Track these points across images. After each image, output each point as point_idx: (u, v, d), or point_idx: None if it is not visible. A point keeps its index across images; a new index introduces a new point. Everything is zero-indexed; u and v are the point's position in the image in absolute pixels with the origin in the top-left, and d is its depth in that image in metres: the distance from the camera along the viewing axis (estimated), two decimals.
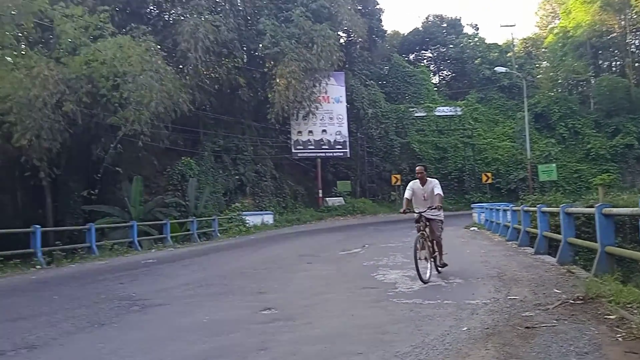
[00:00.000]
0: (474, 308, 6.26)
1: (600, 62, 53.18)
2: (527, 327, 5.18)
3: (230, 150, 33.57)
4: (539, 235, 11.57)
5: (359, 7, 43.82)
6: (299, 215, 34.91)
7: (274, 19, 34.26)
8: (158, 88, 22.56)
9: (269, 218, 31.03)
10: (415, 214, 8.71)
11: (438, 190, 8.64)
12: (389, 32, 54.50)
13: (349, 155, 41.01)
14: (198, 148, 31.84)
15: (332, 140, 39.50)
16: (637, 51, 51.38)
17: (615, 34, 48.93)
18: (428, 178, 8.85)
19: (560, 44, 49.72)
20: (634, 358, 4.21)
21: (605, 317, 5.41)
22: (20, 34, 21.86)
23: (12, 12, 18.17)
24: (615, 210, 7.90)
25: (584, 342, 4.61)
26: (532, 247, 12.15)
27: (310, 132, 38.77)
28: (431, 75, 55.62)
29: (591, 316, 5.50)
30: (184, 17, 30.99)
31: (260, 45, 34.28)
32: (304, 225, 31.76)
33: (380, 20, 48.77)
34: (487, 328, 5.26)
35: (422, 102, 48.65)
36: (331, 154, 40.27)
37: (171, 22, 32.75)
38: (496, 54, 53.88)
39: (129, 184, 24.13)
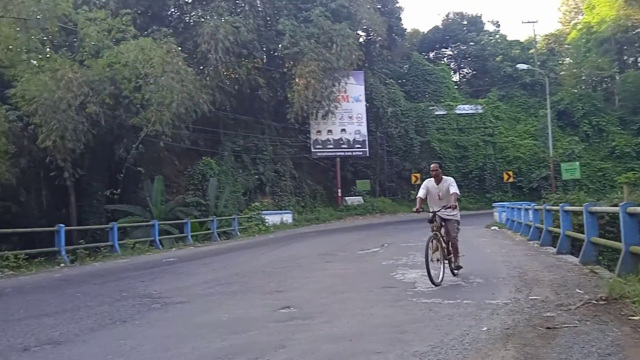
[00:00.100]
0: (494, 308, 6.19)
1: (625, 57, 51.99)
2: (548, 328, 5.10)
3: (250, 150, 33.79)
4: (561, 234, 11.39)
5: (379, 6, 43.66)
6: (318, 214, 34.96)
7: (293, 19, 34.34)
8: (179, 89, 22.82)
9: (288, 217, 31.15)
10: (430, 213, 8.43)
11: (454, 189, 8.30)
12: (408, 30, 54.26)
13: (368, 155, 40.91)
14: (218, 148, 32.09)
15: (351, 140, 39.46)
16: None
17: None
18: (443, 176, 8.54)
19: (583, 40, 48.81)
20: None
21: (629, 318, 5.30)
22: (45, 38, 22.32)
23: (38, 17, 18.55)
24: None
25: (606, 343, 4.52)
26: (554, 247, 11.97)
27: (330, 131, 38.79)
28: (451, 73, 55.12)
29: (614, 317, 5.39)
30: (204, 18, 31.27)
31: (280, 45, 34.40)
32: (323, 225, 31.80)
33: (400, 19, 48.58)
34: (508, 328, 5.20)
35: (442, 100, 48.28)
36: (350, 153, 40.22)
37: (192, 23, 33.09)
38: (518, 51, 53.11)
39: (150, 183, 24.42)
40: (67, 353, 5.03)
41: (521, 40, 55.79)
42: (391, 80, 46.10)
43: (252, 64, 33.18)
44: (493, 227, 22.26)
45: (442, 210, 8.29)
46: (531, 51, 52.94)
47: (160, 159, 26.97)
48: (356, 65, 36.36)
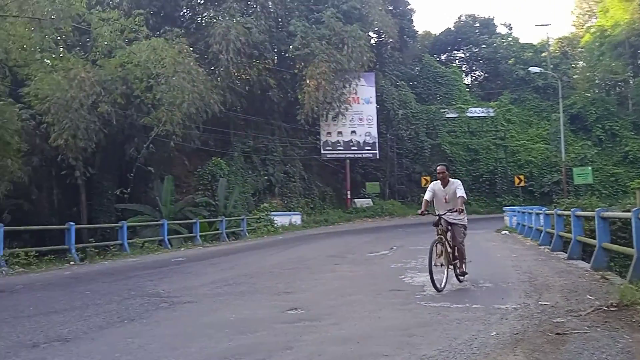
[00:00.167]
0: (503, 313, 6.15)
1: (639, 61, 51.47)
2: (557, 334, 5.05)
3: (260, 150, 33.85)
4: (572, 239, 11.29)
5: (390, 8, 43.61)
6: (327, 216, 34.91)
7: (304, 21, 34.38)
8: (190, 89, 22.94)
9: (297, 219, 31.15)
10: (435, 217, 8.19)
11: (461, 192, 8.03)
12: (420, 32, 54.12)
13: (378, 157, 40.78)
14: (228, 148, 32.20)
15: (361, 141, 39.39)
16: None
17: None
18: (450, 179, 8.30)
19: (597, 43, 48.31)
20: None
21: None
22: (59, 38, 22.56)
23: (52, 17, 18.74)
24: None
25: (616, 350, 4.47)
26: (565, 252, 11.87)
27: (340, 133, 38.75)
28: (463, 76, 54.85)
29: (625, 324, 5.33)
30: (216, 19, 31.41)
31: (291, 46, 34.43)
32: (332, 227, 31.76)
33: (412, 21, 48.45)
34: (517, 333, 5.15)
35: (453, 103, 48.04)
36: (360, 155, 40.14)
37: (203, 24, 33.23)
38: (530, 53, 52.74)
39: (160, 183, 24.56)
40: (75, 350, 5.06)
41: (534, 44, 55.34)
42: (402, 82, 45.96)
43: (263, 65, 33.24)
44: (503, 232, 22.13)
45: (448, 213, 8.08)
46: (544, 54, 52.53)
47: (171, 159, 27.13)
48: (367, 67, 36.31)
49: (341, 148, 38.95)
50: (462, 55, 57.62)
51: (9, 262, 12.18)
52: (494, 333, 5.19)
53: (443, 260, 7.90)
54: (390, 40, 42.56)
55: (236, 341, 5.25)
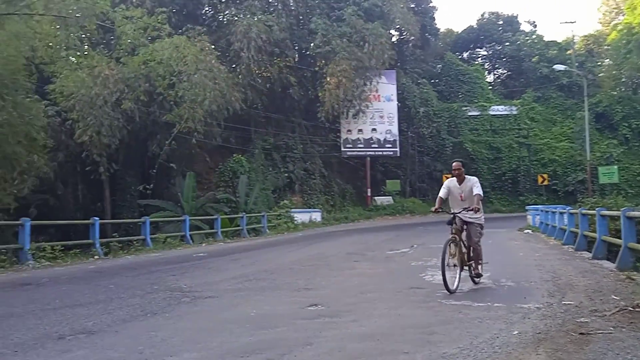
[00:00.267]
0: (525, 312, 6.07)
1: None
2: (581, 334, 4.97)
3: (280, 148, 33.98)
4: (597, 239, 11.10)
5: (412, 5, 43.30)
6: (347, 213, 34.91)
7: (325, 18, 34.36)
8: (212, 87, 23.12)
9: (317, 216, 31.19)
10: (451, 215, 7.85)
11: (477, 189, 7.71)
12: (442, 30, 53.65)
13: (398, 154, 40.63)
14: (249, 146, 32.38)
15: (381, 139, 39.25)
16: None
17: None
18: (466, 176, 8.02)
19: (624, 41, 47.20)
20: None
21: None
22: (84, 35, 22.89)
23: (77, 15, 19.04)
24: None
25: None
26: (590, 252, 11.69)
27: (360, 130, 38.67)
28: (486, 74, 54.27)
29: None
30: (237, 17, 31.60)
31: (312, 44, 34.47)
32: (352, 224, 31.73)
33: (434, 19, 48.05)
34: (539, 333, 5.09)
35: (475, 101, 47.58)
36: (381, 153, 40.02)
37: (225, 22, 33.48)
38: (555, 51, 51.86)
39: (182, 179, 24.81)
40: (100, 343, 5.15)
41: (559, 41, 54.42)
42: (424, 80, 45.67)
43: (284, 63, 33.36)
44: (526, 231, 21.81)
45: (463, 212, 7.74)
46: (569, 52, 51.55)
47: (192, 156, 27.39)
48: (388, 65, 36.13)
49: (361, 146, 38.88)
50: (485, 53, 57.02)
51: (35, 255, 12.43)
52: (516, 332, 5.13)
53: (457, 260, 7.55)
54: (412, 37, 42.29)
55: (257, 336, 5.28)
